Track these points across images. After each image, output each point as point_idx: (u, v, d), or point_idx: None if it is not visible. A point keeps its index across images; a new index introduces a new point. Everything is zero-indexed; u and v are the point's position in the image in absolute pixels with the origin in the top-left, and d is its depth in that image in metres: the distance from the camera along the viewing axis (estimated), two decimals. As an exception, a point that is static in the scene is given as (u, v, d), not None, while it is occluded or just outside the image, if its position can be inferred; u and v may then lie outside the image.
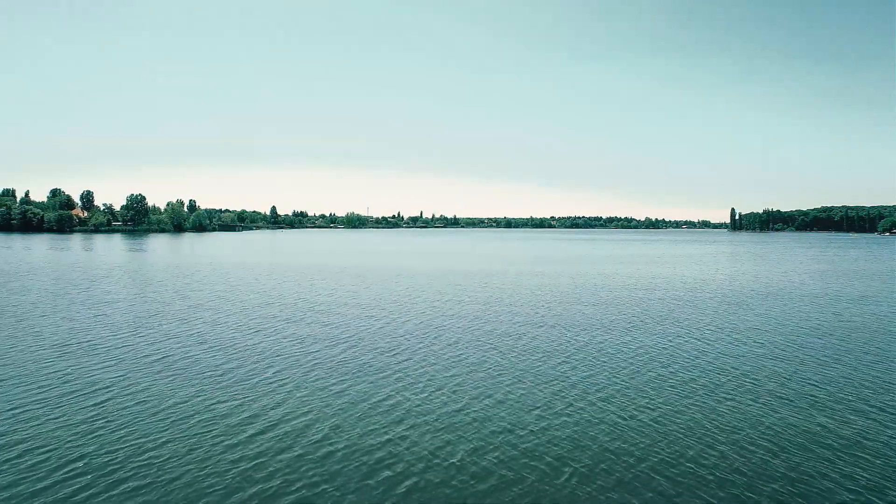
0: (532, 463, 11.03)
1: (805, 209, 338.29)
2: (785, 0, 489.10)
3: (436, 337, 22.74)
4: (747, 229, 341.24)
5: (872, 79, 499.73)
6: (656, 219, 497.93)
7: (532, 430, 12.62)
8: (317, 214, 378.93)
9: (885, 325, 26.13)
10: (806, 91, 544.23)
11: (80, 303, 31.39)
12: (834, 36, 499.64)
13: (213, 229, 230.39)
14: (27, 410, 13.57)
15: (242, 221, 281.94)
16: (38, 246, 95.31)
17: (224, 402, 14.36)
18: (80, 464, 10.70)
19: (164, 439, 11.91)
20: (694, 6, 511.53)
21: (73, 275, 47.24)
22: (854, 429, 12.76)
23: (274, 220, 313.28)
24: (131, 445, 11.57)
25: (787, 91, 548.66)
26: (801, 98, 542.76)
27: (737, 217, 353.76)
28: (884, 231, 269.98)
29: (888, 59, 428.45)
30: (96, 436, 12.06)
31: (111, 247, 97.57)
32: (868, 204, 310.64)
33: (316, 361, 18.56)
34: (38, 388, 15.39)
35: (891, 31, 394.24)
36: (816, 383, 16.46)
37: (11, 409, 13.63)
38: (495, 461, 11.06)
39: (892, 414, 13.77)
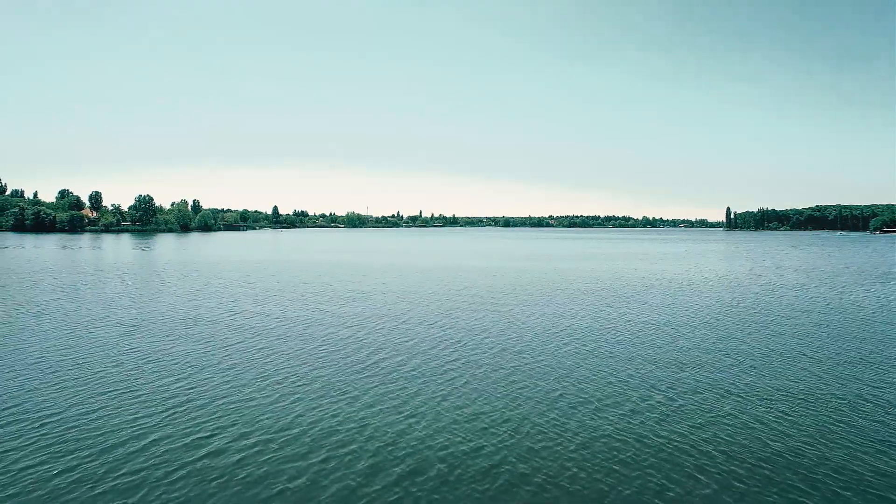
0: (544, 455, 11.75)
1: (800, 208, 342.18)
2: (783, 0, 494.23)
3: (474, 329, 26.81)
4: (743, 228, 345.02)
5: (868, 79, 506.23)
6: (653, 218, 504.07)
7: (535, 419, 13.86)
8: (317, 214, 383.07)
9: (832, 308, 31.52)
10: (803, 91, 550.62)
11: (165, 295, 36.62)
12: (831, 36, 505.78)
13: (219, 229, 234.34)
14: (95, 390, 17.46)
15: (245, 221, 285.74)
16: (63, 245, 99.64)
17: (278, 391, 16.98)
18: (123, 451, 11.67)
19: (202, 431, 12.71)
20: (691, 5, 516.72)
21: (144, 273, 52.26)
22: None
23: (276, 220, 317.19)
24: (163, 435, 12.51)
25: (783, 91, 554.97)
26: (798, 98, 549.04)
27: (732, 216, 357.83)
28: (875, 230, 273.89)
29: (884, 59, 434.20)
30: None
31: (135, 246, 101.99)
32: (861, 203, 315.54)
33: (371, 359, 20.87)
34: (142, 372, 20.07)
35: (890, 31, 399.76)
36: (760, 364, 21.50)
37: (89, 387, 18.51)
38: (506, 457, 11.68)
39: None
